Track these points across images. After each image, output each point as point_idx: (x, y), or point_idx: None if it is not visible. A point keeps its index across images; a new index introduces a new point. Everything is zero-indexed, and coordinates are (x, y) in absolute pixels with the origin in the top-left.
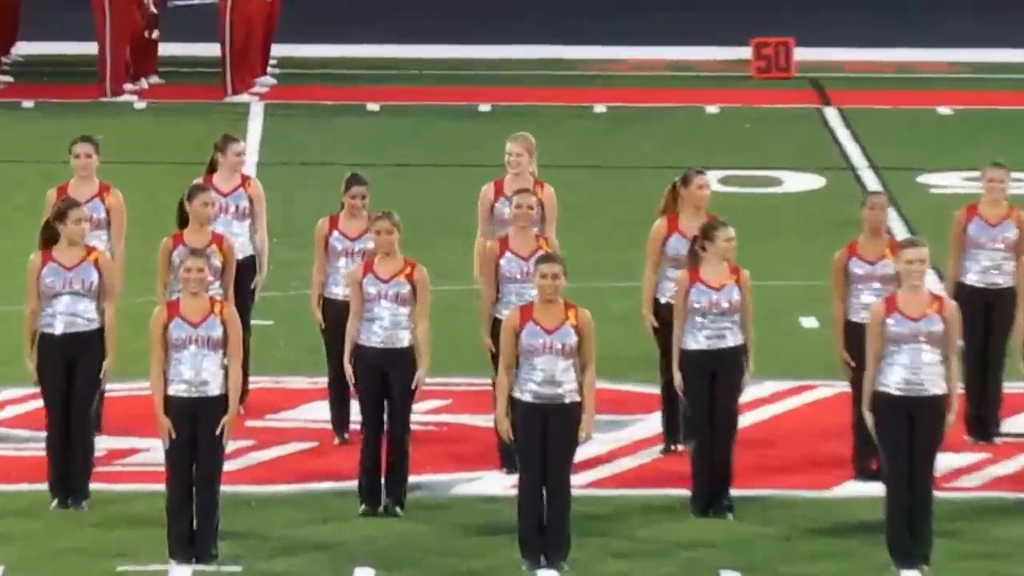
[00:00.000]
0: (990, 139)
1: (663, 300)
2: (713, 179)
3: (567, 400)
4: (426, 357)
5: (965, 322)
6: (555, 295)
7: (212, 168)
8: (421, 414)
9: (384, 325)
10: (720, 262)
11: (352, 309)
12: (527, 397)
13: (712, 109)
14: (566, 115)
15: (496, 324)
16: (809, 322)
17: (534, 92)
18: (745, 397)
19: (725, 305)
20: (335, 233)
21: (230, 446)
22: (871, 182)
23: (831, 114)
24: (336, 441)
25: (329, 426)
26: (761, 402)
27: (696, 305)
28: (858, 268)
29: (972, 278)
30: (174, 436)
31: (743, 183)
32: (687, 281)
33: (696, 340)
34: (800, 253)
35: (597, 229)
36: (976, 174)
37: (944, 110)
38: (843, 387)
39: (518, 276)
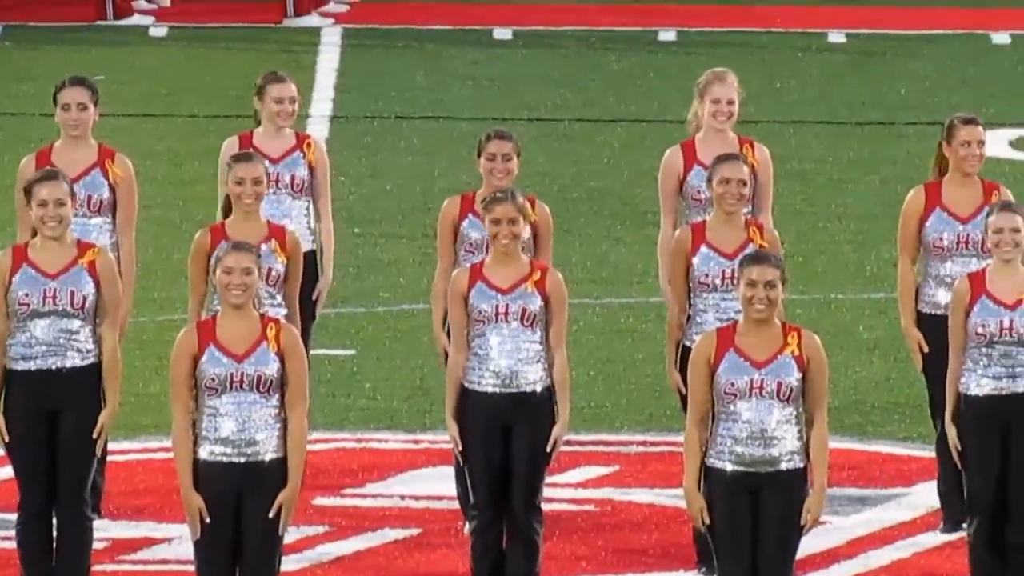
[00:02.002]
0: None
1: (924, 310)
2: (998, 139)
3: (785, 465)
4: (566, 404)
5: None
6: (768, 313)
7: (257, 121)
8: (566, 488)
9: (501, 358)
10: (1006, 265)
11: (453, 337)
12: (726, 462)
13: (1001, 38)
14: (791, 45)
15: (686, 353)
16: None
17: (731, 12)
18: None
19: (1020, 329)
20: (470, 217)
21: (290, 534)
22: None
23: None
24: (465, 528)
25: (441, 504)
26: None
27: (980, 330)
28: None
29: None
30: (207, 520)
31: None
32: (967, 292)
33: (978, 382)
34: None
35: (833, 216)
36: None
37: None
38: None
39: (718, 281)
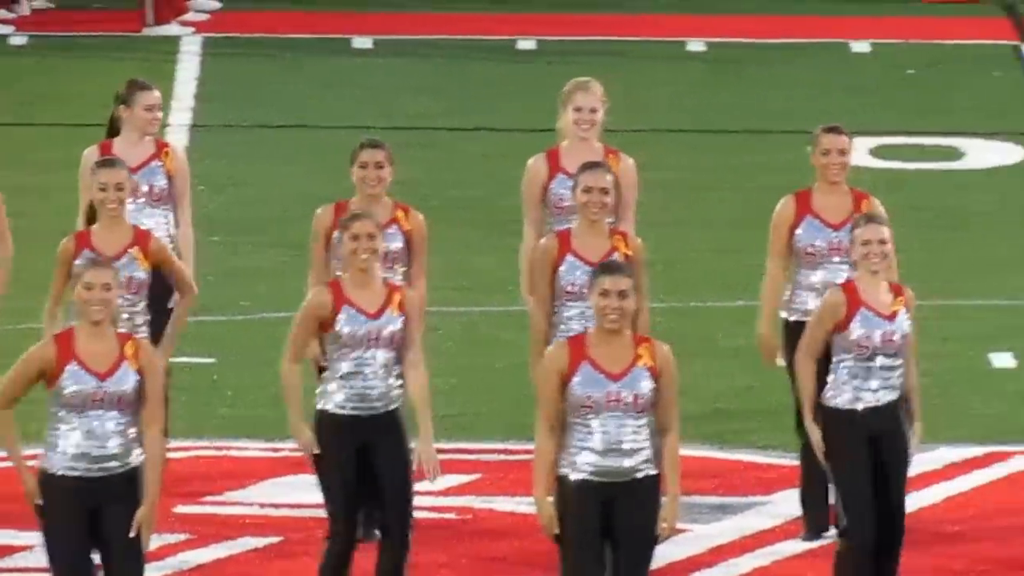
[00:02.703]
0: None
1: (793, 318)
2: (859, 147)
3: (639, 475)
4: (427, 416)
5: None
6: (621, 323)
7: (113, 130)
8: (427, 496)
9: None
10: (874, 276)
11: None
12: (579, 472)
13: (860, 46)
14: (651, 54)
15: None
16: (1003, 360)
17: (591, 21)
18: (911, 469)
19: (898, 340)
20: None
21: (151, 542)
22: None
23: None
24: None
25: (301, 512)
26: (934, 477)
27: (864, 343)
28: None
29: None
30: (57, 523)
31: (906, 155)
32: (843, 304)
33: (857, 395)
34: (990, 258)
35: (695, 225)
36: None
37: None
38: None
39: (585, 290)
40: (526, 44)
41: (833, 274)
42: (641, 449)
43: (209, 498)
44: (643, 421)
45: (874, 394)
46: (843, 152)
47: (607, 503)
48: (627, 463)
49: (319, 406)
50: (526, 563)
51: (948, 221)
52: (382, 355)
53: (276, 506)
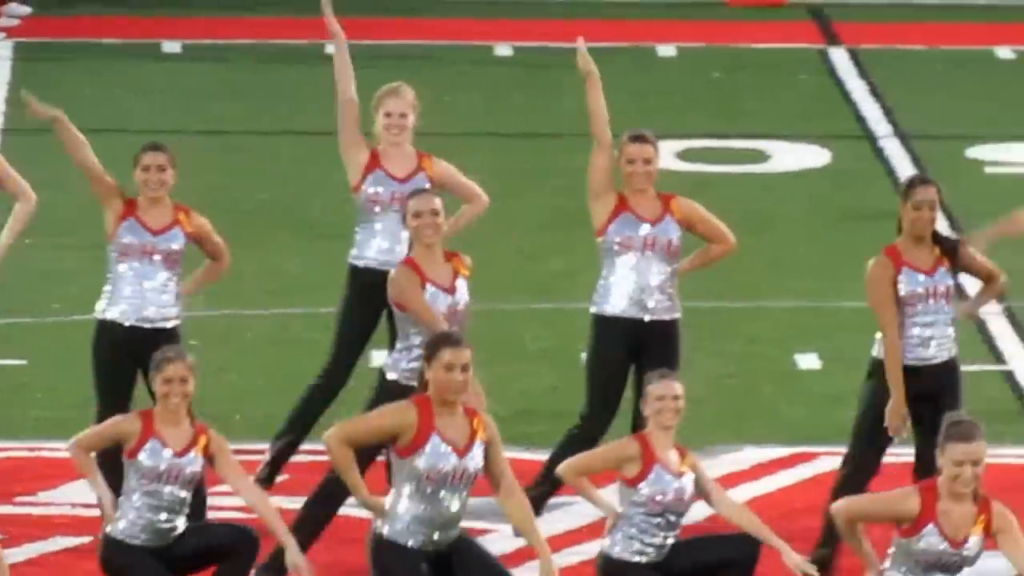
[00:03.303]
0: None
1: (593, 309)
2: (666, 151)
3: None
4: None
5: None
6: (460, 393)
7: None
8: (235, 497)
9: None
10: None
11: None
12: (413, 541)
13: (667, 50)
14: (458, 58)
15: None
16: (808, 361)
17: (398, 26)
18: (718, 469)
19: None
20: (124, 225)
21: None
22: (899, 158)
23: (839, 58)
24: None
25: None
26: (740, 477)
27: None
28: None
29: None
30: None
31: (712, 158)
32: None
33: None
34: (796, 260)
35: (501, 228)
36: None
37: (1005, 52)
38: None
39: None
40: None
41: (642, 272)
42: (460, 521)
43: (21, 498)
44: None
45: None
46: (648, 161)
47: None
48: (454, 533)
49: None
50: (340, 566)
51: (754, 224)
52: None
53: (87, 506)
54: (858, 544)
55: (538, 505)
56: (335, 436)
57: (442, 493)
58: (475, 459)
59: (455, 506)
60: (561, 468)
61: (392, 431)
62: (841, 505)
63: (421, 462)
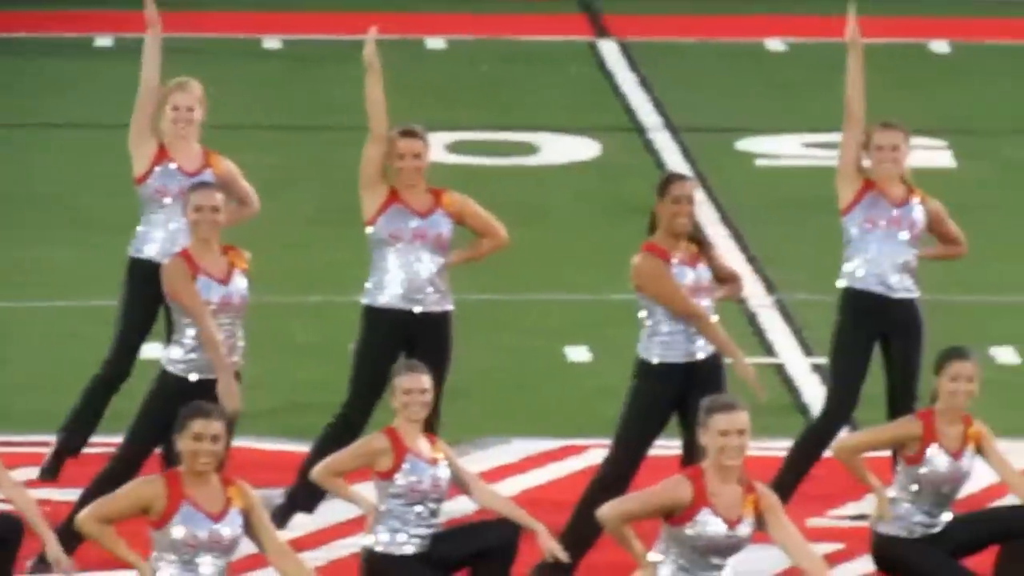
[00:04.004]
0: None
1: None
2: (437, 144)
3: None
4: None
5: None
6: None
7: None
8: (43, 488)
9: None
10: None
11: None
12: None
13: (436, 43)
14: (229, 51)
15: None
16: (578, 354)
17: (168, 19)
18: (487, 462)
19: None
20: None
21: None
22: (669, 150)
23: (609, 51)
24: None
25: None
26: (509, 470)
27: None
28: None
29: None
30: None
31: (482, 151)
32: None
33: None
34: (566, 253)
35: (270, 221)
36: (822, 138)
37: (776, 44)
38: None
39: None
40: (104, 41)
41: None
42: None
43: None
44: None
45: None
46: (417, 156)
47: None
48: None
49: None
50: None
51: (524, 216)
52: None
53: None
54: (629, 544)
55: (316, 499)
56: (89, 518)
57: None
58: (232, 526)
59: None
60: (315, 473)
61: (142, 504)
62: (608, 510)
63: (175, 531)
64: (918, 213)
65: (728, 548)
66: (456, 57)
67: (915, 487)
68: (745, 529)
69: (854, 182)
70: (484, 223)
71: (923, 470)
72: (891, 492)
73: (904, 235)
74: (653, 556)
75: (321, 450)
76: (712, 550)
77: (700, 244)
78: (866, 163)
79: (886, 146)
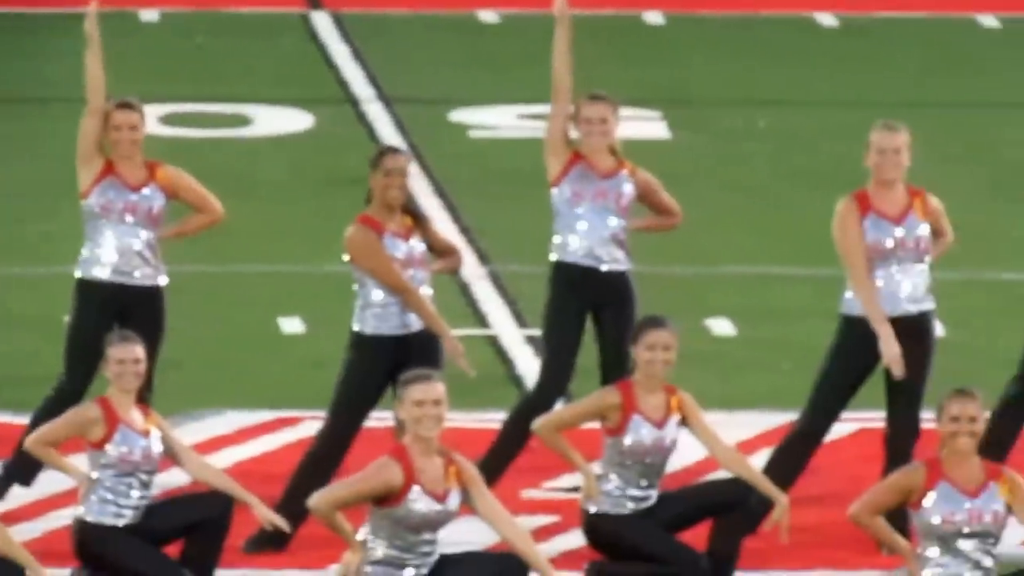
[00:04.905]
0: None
1: None
2: (152, 116)
3: None
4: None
5: None
6: None
7: None
8: None
9: None
10: None
11: None
12: None
13: (150, 15)
14: None
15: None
16: (292, 325)
17: None
18: (201, 433)
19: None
20: None
21: None
22: (382, 122)
23: (322, 22)
24: None
25: None
26: (224, 441)
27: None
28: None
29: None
30: None
31: (195, 123)
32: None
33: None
34: (280, 225)
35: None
36: (536, 109)
37: (489, 16)
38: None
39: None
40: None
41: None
42: None
43: None
44: None
45: None
46: (133, 128)
47: None
48: None
49: None
50: None
51: (237, 188)
52: None
53: None
54: (340, 529)
55: (33, 472)
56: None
57: None
58: None
59: None
60: (28, 442)
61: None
62: (318, 498)
63: None
64: (627, 185)
65: (439, 522)
66: (170, 29)
67: (620, 459)
68: (454, 502)
69: (562, 154)
70: (198, 197)
71: (627, 441)
72: (598, 468)
73: (612, 207)
74: (360, 536)
75: (38, 422)
76: (425, 526)
77: (415, 217)
78: (575, 135)
79: (594, 118)
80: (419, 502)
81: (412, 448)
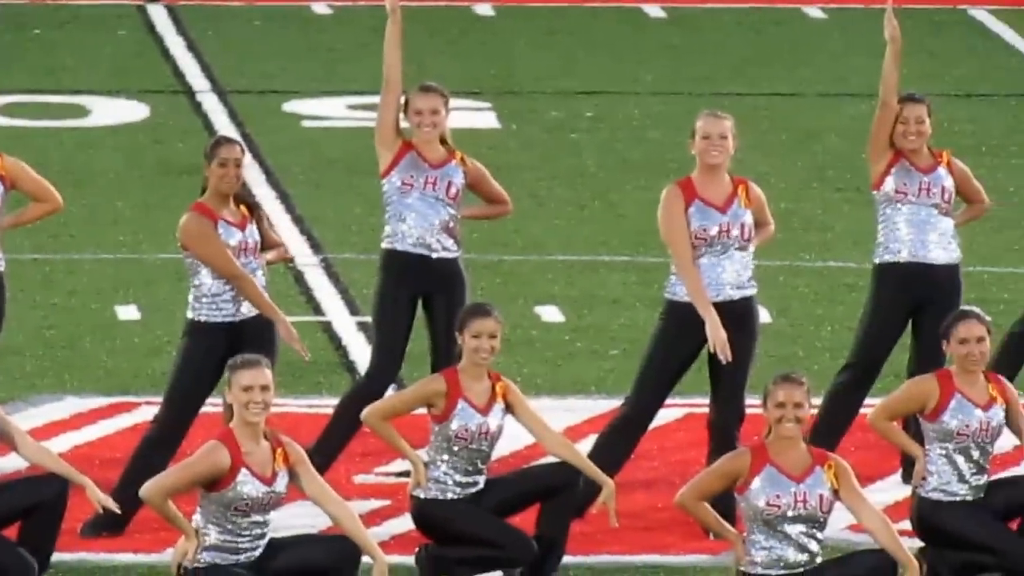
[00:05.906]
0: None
1: None
2: None
3: None
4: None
5: None
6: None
7: None
8: None
9: None
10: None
11: None
12: None
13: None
14: None
15: None
16: (128, 312)
17: None
18: (39, 419)
19: None
20: None
21: None
22: (217, 112)
23: (158, 14)
24: None
25: None
26: (61, 427)
27: None
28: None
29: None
30: None
31: (32, 113)
32: None
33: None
34: (116, 213)
35: None
36: (366, 100)
37: (321, 8)
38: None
39: None
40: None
41: None
42: None
43: None
44: None
45: None
46: None
47: None
48: None
49: None
50: None
51: (73, 178)
52: None
53: None
54: (174, 519)
55: None
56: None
57: None
58: None
59: None
60: None
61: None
62: (148, 488)
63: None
64: (457, 174)
65: (268, 505)
66: (7, 20)
67: (447, 446)
68: (281, 484)
69: (392, 144)
70: (38, 187)
71: (452, 427)
72: (425, 455)
73: (442, 196)
74: (194, 523)
75: None
76: (254, 508)
77: (250, 207)
78: (406, 125)
79: (425, 109)
80: (247, 484)
81: (239, 432)
